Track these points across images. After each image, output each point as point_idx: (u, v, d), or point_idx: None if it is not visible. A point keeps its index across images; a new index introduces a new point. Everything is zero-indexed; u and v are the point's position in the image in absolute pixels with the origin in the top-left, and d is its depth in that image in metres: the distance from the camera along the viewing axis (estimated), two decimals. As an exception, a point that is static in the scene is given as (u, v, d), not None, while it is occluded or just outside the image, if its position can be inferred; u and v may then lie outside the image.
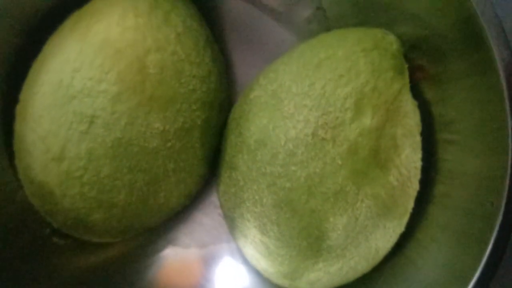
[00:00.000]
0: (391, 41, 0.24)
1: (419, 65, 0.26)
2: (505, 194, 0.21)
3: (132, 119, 0.22)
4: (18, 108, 0.24)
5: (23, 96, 0.24)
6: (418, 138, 0.24)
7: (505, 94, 0.21)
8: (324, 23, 0.28)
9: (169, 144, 0.23)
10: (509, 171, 0.22)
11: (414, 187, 0.24)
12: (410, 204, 0.24)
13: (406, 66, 0.25)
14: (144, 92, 0.22)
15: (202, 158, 0.25)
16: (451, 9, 0.22)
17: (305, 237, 0.22)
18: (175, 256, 0.28)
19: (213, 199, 0.29)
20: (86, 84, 0.22)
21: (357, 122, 0.22)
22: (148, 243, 0.29)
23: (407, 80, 0.24)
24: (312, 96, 0.23)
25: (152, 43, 0.23)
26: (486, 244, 0.21)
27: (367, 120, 0.22)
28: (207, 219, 0.29)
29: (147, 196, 0.23)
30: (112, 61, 0.22)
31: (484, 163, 0.23)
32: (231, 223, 0.25)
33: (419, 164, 0.24)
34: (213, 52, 0.25)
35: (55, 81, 0.22)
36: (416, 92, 0.25)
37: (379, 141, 0.22)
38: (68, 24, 0.24)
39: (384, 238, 0.24)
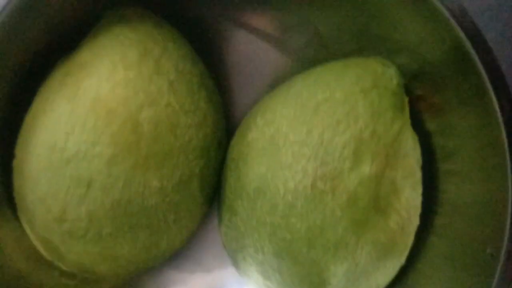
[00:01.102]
0: (391, 76, 0.24)
1: (420, 95, 0.25)
2: (508, 220, 0.21)
3: (129, 180, 0.22)
4: (15, 164, 0.24)
5: (18, 152, 0.23)
6: (418, 175, 0.24)
7: (499, 118, 0.21)
8: (322, 48, 0.27)
9: (168, 199, 0.23)
10: (510, 197, 0.22)
11: (414, 224, 0.24)
12: (410, 240, 0.24)
13: (407, 99, 0.24)
14: (139, 152, 0.22)
15: (203, 202, 0.25)
16: (441, 39, 0.22)
17: (306, 284, 0.23)
18: (181, 282, 0.29)
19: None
20: (80, 147, 0.21)
21: (356, 171, 0.22)
22: (154, 269, 0.29)
23: (407, 116, 0.24)
24: (310, 145, 0.22)
25: (145, 98, 0.22)
26: (492, 273, 0.21)
27: (366, 168, 0.22)
28: (212, 244, 0.29)
29: (149, 247, 0.24)
30: (105, 123, 0.21)
31: (486, 191, 0.23)
32: (234, 262, 0.26)
33: (419, 200, 0.24)
34: (208, 90, 0.25)
35: (49, 144, 0.22)
36: (417, 123, 0.25)
37: (378, 188, 0.22)
38: (57, 76, 0.23)
39: (384, 275, 0.24)
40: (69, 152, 0.22)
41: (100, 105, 0.22)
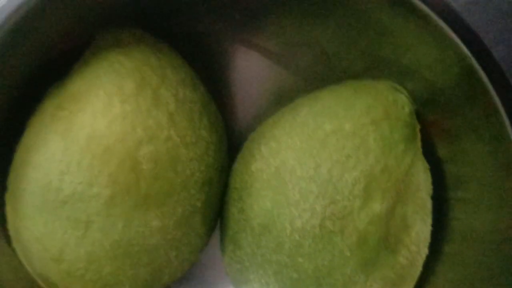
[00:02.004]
0: (402, 104, 0.22)
1: (432, 121, 0.24)
2: None
3: (129, 221, 0.21)
4: (8, 197, 0.22)
5: (11, 185, 0.22)
6: (429, 206, 0.23)
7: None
8: (328, 67, 0.25)
9: (169, 236, 0.22)
10: None
11: (423, 255, 0.24)
12: (419, 271, 0.24)
13: (418, 127, 0.23)
14: (139, 191, 0.21)
15: (204, 233, 0.24)
16: (451, 63, 0.21)
17: (314, 322, 0.22)
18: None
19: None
20: (76, 188, 0.20)
21: (366, 210, 0.21)
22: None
23: (419, 145, 0.23)
24: (318, 181, 0.21)
25: (143, 133, 0.21)
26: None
27: (377, 206, 0.21)
28: (215, 263, 0.28)
29: (151, 283, 0.23)
30: (102, 162, 0.20)
31: (497, 218, 0.22)
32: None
33: (429, 231, 0.23)
34: (210, 116, 0.24)
35: (44, 183, 0.21)
36: (428, 149, 0.24)
37: (389, 226, 0.21)
38: (48, 107, 0.22)
39: (393, 307, 0.24)
40: (65, 193, 0.20)
41: (96, 142, 0.20)
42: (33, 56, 0.22)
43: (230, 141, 0.26)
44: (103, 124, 0.21)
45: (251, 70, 0.26)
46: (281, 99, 0.26)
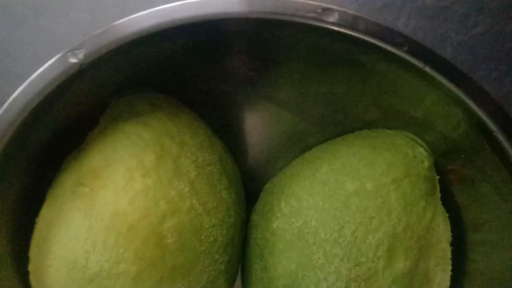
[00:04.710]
0: (422, 158, 0.22)
1: (450, 169, 0.24)
2: None
3: None
4: (32, 269, 0.22)
5: (34, 258, 0.22)
6: (449, 254, 0.23)
7: None
8: (342, 115, 0.25)
9: (196, 302, 0.22)
10: None
11: (443, 301, 0.24)
12: (440, 316, 0.24)
13: (437, 178, 0.23)
14: (165, 265, 0.21)
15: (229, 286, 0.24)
16: (459, 117, 0.22)
17: None
18: None
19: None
20: (103, 266, 0.20)
21: (390, 269, 0.21)
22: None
23: (438, 198, 0.23)
24: (343, 243, 0.21)
25: (166, 206, 0.21)
26: None
27: (400, 265, 0.21)
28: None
29: None
30: (127, 239, 0.20)
31: None
32: None
33: (449, 279, 0.24)
34: (228, 174, 0.23)
35: (69, 261, 0.21)
36: (447, 195, 0.24)
37: (412, 283, 0.22)
38: (67, 181, 0.21)
39: None
40: (92, 271, 0.20)
41: (120, 220, 0.20)
42: (51, 125, 0.22)
43: (245, 186, 0.26)
44: (126, 201, 0.20)
45: (265, 118, 0.26)
46: (294, 144, 0.26)
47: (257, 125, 0.26)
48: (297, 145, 0.26)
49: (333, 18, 0.17)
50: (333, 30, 0.18)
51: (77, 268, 0.21)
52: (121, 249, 0.20)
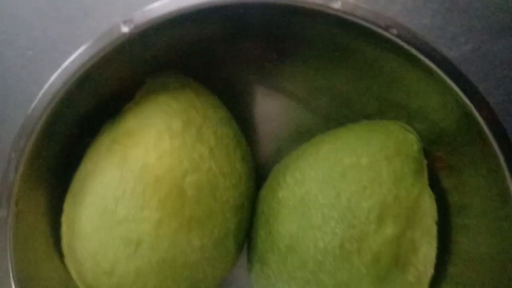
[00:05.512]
0: (411, 142, 0.26)
1: (438, 156, 0.27)
2: None
3: (174, 240, 0.24)
4: (64, 219, 0.26)
5: (68, 208, 0.25)
6: (434, 231, 0.26)
7: (508, 177, 0.23)
8: (345, 109, 0.29)
9: (207, 254, 0.25)
10: None
11: (429, 274, 0.26)
12: (425, 288, 0.27)
13: (426, 163, 0.26)
14: (184, 214, 0.24)
15: (235, 252, 0.27)
16: (452, 109, 0.24)
17: (332, 332, 0.25)
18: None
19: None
20: (130, 211, 0.23)
21: (380, 233, 0.24)
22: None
23: (426, 178, 0.26)
24: (339, 208, 0.24)
25: (188, 165, 0.24)
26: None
27: (389, 230, 0.24)
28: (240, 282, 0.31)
29: (189, 296, 0.26)
30: (153, 189, 0.23)
31: (495, 242, 0.25)
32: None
33: (434, 253, 0.26)
34: (242, 150, 0.27)
35: (100, 207, 0.24)
36: (435, 181, 0.27)
37: (399, 247, 0.25)
38: (104, 141, 0.25)
39: (401, 321, 0.26)
40: (119, 215, 0.24)
41: (148, 173, 0.24)
42: (92, 96, 0.26)
43: (256, 171, 0.30)
44: (155, 157, 0.24)
45: (275, 109, 0.30)
46: (301, 136, 0.30)
47: (269, 117, 0.30)
48: (304, 138, 0.30)
49: (337, 5, 0.21)
50: (338, 16, 0.21)
51: (107, 212, 0.24)
52: (147, 197, 0.24)
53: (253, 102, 0.30)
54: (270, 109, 0.30)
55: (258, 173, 0.30)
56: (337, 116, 0.29)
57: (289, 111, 0.29)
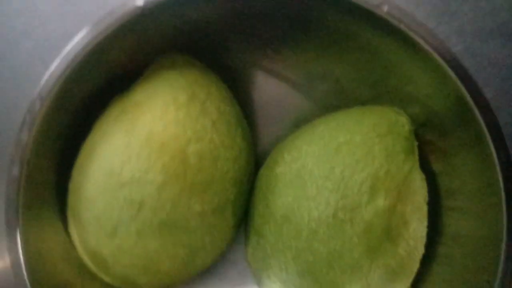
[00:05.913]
0: (403, 123, 0.27)
1: (428, 140, 0.29)
2: (502, 252, 0.24)
3: (175, 204, 0.25)
4: (71, 186, 0.27)
5: (75, 174, 0.27)
6: (425, 209, 0.27)
7: (496, 164, 0.24)
8: (342, 95, 0.30)
9: (206, 221, 0.26)
10: (504, 232, 0.25)
11: (420, 252, 0.27)
12: (416, 266, 0.27)
13: (416, 144, 0.28)
14: (186, 180, 0.25)
15: (233, 225, 0.28)
16: (447, 94, 0.26)
17: (325, 301, 0.26)
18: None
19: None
20: (134, 174, 0.25)
21: (372, 204, 0.25)
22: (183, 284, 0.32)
23: (416, 158, 0.27)
24: (333, 180, 0.26)
25: (192, 134, 0.26)
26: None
27: (381, 202, 0.25)
28: (237, 262, 0.32)
29: (187, 263, 0.27)
30: (158, 154, 0.25)
31: (483, 226, 0.26)
32: (259, 281, 0.29)
33: (424, 231, 0.27)
34: (243, 129, 0.28)
35: (107, 170, 0.25)
36: (425, 164, 0.29)
37: (390, 220, 0.26)
38: (113, 112, 0.27)
39: (392, 297, 0.27)
40: (125, 178, 0.25)
41: (153, 139, 0.25)
42: (104, 71, 0.27)
43: (255, 154, 0.31)
44: (161, 126, 0.25)
45: (274, 95, 0.31)
46: (298, 122, 0.31)
47: (268, 103, 0.32)
48: (302, 124, 0.31)
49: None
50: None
51: (113, 175, 0.25)
52: (151, 161, 0.25)
53: (252, 87, 0.31)
54: (269, 95, 0.31)
55: (257, 158, 0.32)
56: (333, 104, 0.30)
57: (287, 98, 0.31)
